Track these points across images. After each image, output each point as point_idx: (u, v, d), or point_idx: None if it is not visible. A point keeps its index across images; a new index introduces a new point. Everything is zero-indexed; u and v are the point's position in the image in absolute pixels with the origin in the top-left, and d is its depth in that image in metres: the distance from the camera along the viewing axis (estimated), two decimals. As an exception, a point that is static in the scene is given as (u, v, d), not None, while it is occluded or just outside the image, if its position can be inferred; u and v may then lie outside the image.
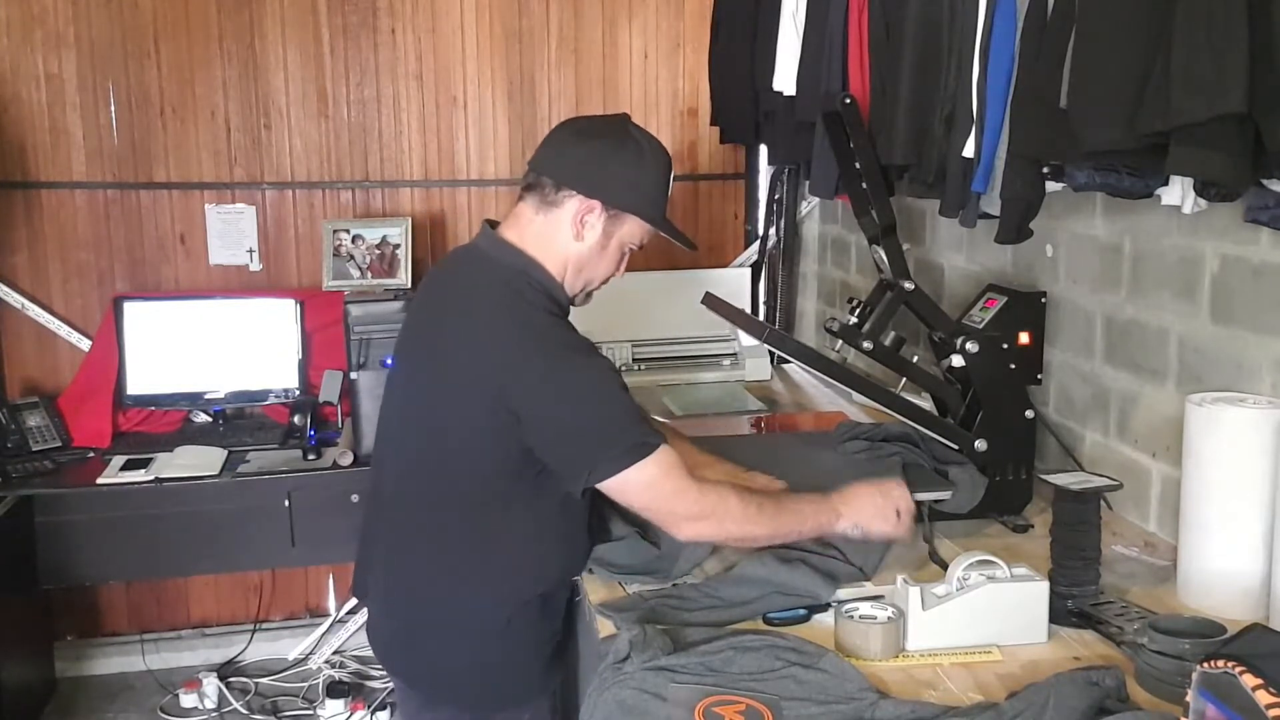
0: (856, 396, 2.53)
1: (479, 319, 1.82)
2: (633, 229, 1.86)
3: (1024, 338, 2.22)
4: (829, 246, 3.81)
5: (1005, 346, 2.16)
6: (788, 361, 3.23)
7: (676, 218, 3.96)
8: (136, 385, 3.43)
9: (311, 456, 3.22)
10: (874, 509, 1.84)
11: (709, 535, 1.82)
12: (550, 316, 1.82)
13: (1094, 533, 1.76)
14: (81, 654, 3.71)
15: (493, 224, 1.92)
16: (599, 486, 1.76)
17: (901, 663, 1.62)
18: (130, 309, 3.44)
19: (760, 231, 3.93)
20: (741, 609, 1.78)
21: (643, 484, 1.74)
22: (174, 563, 3.35)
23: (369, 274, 3.55)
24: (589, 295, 1.94)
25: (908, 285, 2.18)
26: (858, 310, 2.23)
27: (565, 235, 1.83)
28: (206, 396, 3.47)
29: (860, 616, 1.66)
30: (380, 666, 3.61)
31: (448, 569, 1.86)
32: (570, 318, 1.89)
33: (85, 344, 3.54)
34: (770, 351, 3.35)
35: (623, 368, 3.36)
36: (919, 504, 2.03)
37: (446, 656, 1.89)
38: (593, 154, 1.83)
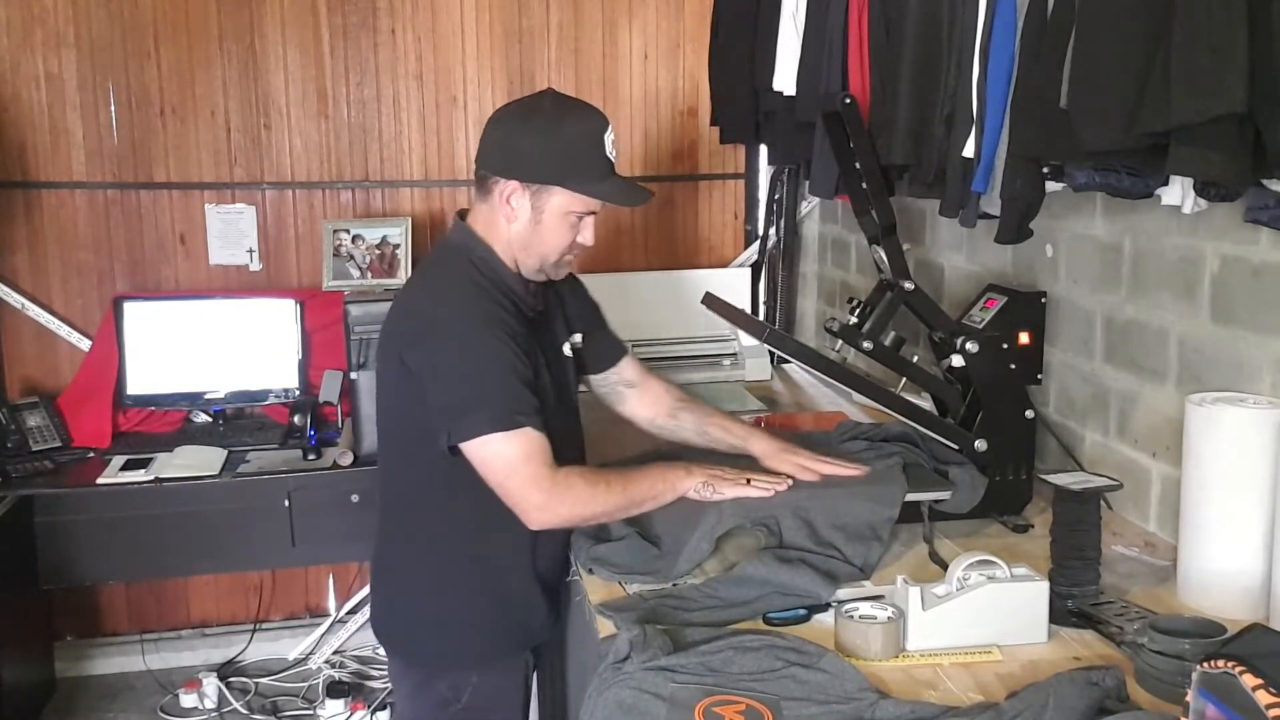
0: (856, 396, 2.53)
1: (409, 294, 2.03)
2: (562, 199, 1.91)
3: (1024, 338, 2.21)
4: (829, 246, 3.81)
5: (1005, 346, 2.16)
6: (788, 361, 3.23)
7: (677, 217, 4.01)
8: (136, 385, 3.43)
9: (311, 456, 3.22)
10: (724, 473, 1.96)
11: (561, 522, 1.90)
12: (474, 288, 1.92)
13: (1094, 533, 1.76)
14: (81, 654, 3.71)
15: (463, 214, 2.05)
16: (462, 449, 1.84)
17: (901, 663, 1.62)
18: (130, 309, 3.44)
19: (760, 231, 3.93)
20: (741, 609, 1.78)
21: (500, 459, 1.83)
22: (174, 563, 3.35)
23: (369, 274, 3.55)
24: (559, 267, 2.00)
25: (908, 285, 2.18)
26: (858, 310, 2.23)
27: (500, 218, 1.94)
28: (206, 396, 3.47)
29: (860, 616, 1.66)
30: (378, 665, 3.63)
31: (403, 530, 2.04)
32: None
33: (85, 344, 3.54)
34: (770, 351, 3.35)
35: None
36: (919, 504, 2.04)
37: (394, 611, 2.08)
38: (507, 134, 1.92)
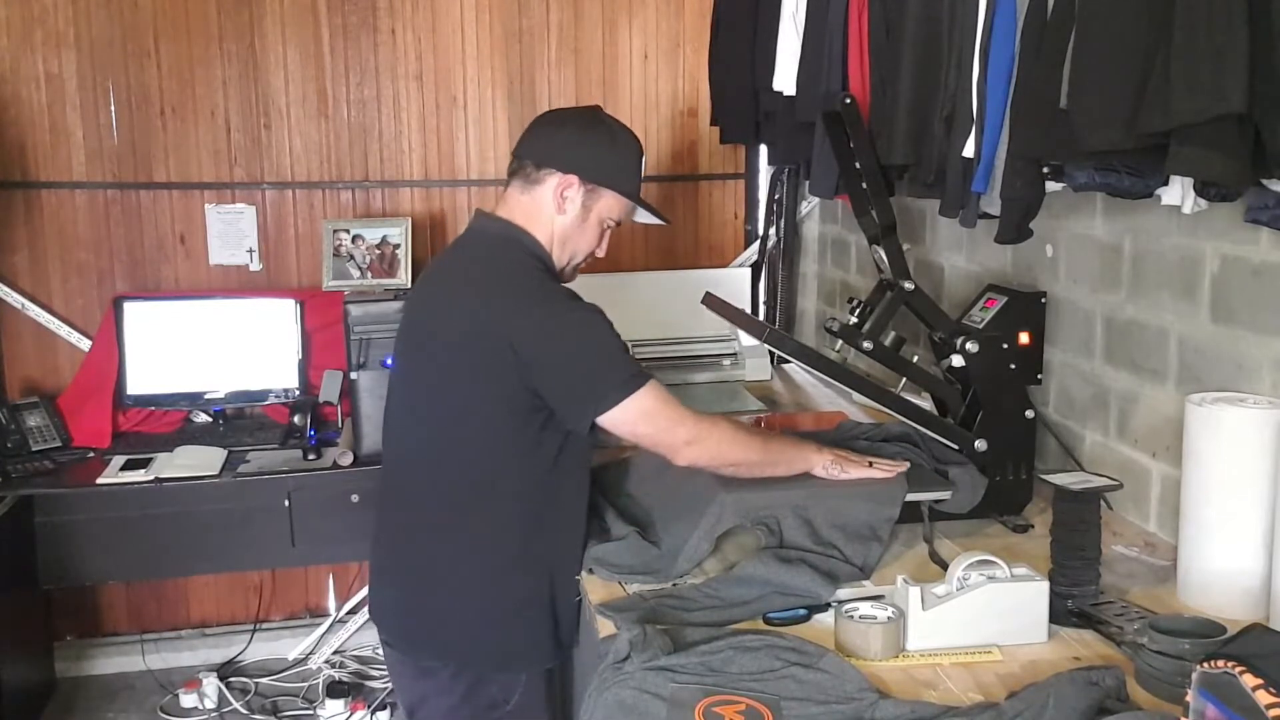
0: (856, 396, 2.53)
1: (475, 283, 1.98)
2: (609, 203, 2.03)
3: (1024, 338, 2.21)
4: (829, 246, 3.81)
5: (1005, 346, 2.16)
6: (788, 361, 3.23)
7: (677, 217, 4.02)
8: (136, 385, 3.43)
9: (311, 456, 3.22)
10: (851, 454, 2.04)
11: (706, 459, 1.95)
12: (543, 273, 1.99)
13: (1094, 533, 1.76)
14: (81, 654, 3.71)
15: (483, 212, 2.09)
16: (602, 421, 1.89)
17: (901, 663, 1.62)
18: (130, 309, 3.44)
19: (760, 231, 3.93)
20: (741, 609, 1.78)
21: (642, 413, 1.89)
22: (174, 563, 3.34)
23: (369, 274, 3.55)
24: (575, 270, 2.09)
25: (908, 285, 2.18)
26: (858, 310, 2.23)
27: (549, 209, 2.00)
28: (206, 396, 3.47)
29: (860, 616, 1.66)
30: (378, 665, 3.63)
31: (449, 531, 1.99)
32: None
33: (85, 344, 3.54)
34: (770, 351, 3.35)
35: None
36: (919, 504, 2.04)
37: (440, 613, 2.01)
38: (569, 136, 2.03)
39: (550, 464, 1.95)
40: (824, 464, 2.00)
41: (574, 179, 1.99)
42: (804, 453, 2.01)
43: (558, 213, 2.00)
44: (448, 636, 2.01)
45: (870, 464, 2.03)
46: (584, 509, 2.04)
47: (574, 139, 2.02)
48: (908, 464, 2.07)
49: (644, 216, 2.13)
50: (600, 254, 2.08)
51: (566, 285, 2.02)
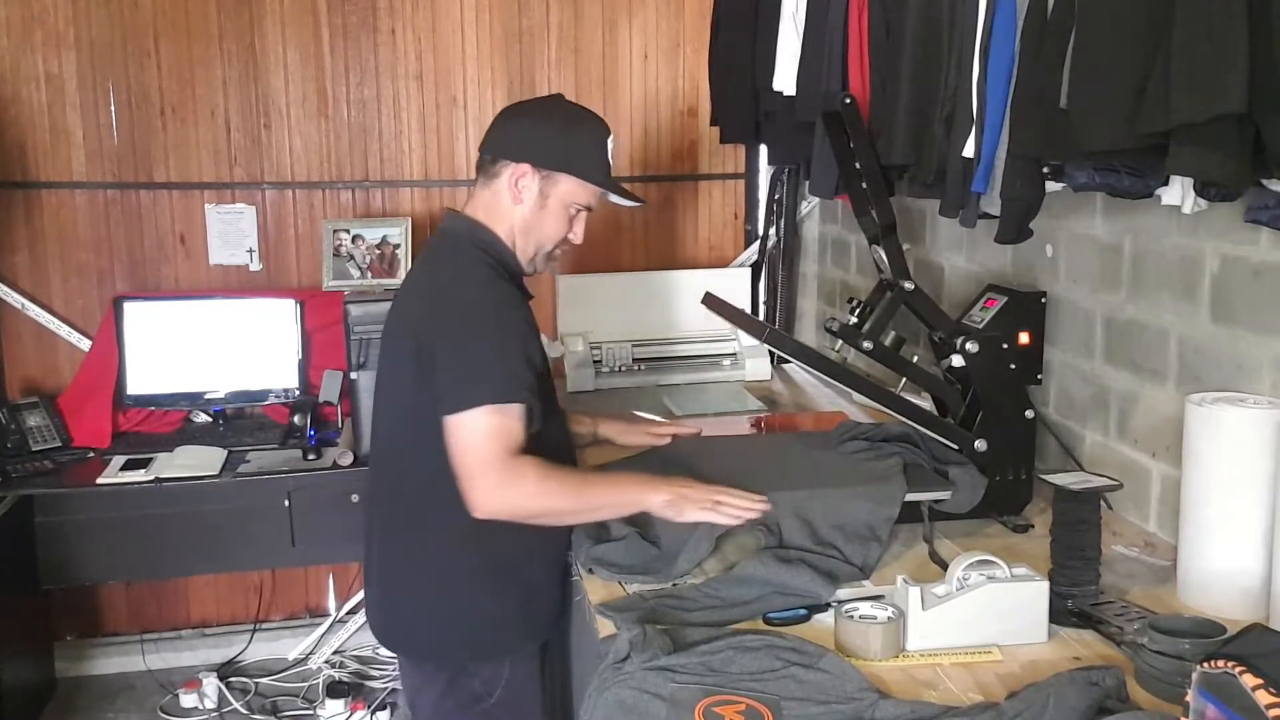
0: (856, 396, 2.54)
1: (420, 287, 2.04)
2: (569, 188, 2.01)
3: (1024, 338, 2.22)
4: (829, 246, 3.81)
5: (1005, 346, 2.16)
6: (788, 361, 3.23)
7: (676, 217, 4.01)
8: (136, 385, 3.43)
9: (311, 456, 3.22)
10: (689, 495, 1.89)
11: (505, 511, 1.86)
12: (486, 269, 1.97)
13: (1094, 533, 1.76)
14: (81, 654, 3.71)
15: (455, 212, 2.10)
16: (445, 421, 1.85)
17: (901, 663, 1.62)
18: (130, 309, 3.44)
19: (760, 231, 3.93)
20: (741, 609, 1.78)
21: (470, 432, 1.84)
22: (174, 563, 3.35)
23: (369, 274, 3.55)
24: (551, 259, 2.08)
25: (908, 285, 2.18)
26: (858, 310, 2.23)
27: (506, 200, 2.01)
28: (206, 396, 3.47)
29: (860, 616, 1.66)
30: (378, 665, 3.63)
31: (413, 528, 2.01)
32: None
33: (85, 344, 3.54)
34: (770, 351, 3.35)
35: (622, 368, 3.36)
36: (919, 504, 2.04)
37: (413, 609, 2.04)
38: (523, 125, 2.03)
39: None
40: (660, 503, 1.88)
41: (526, 167, 1.98)
42: (633, 494, 1.92)
43: (515, 203, 2.00)
44: (421, 632, 2.06)
45: (717, 502, 1.87)
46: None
47: (528, 127, 2.02)
48: (766, 502, 1.89)
49: (618, 199, 2.10)
50: (575, 240, 2.06)
51: (525, 277, 2.04)
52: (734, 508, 1.87)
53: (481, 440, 1.83)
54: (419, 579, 2.03)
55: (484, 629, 2.01)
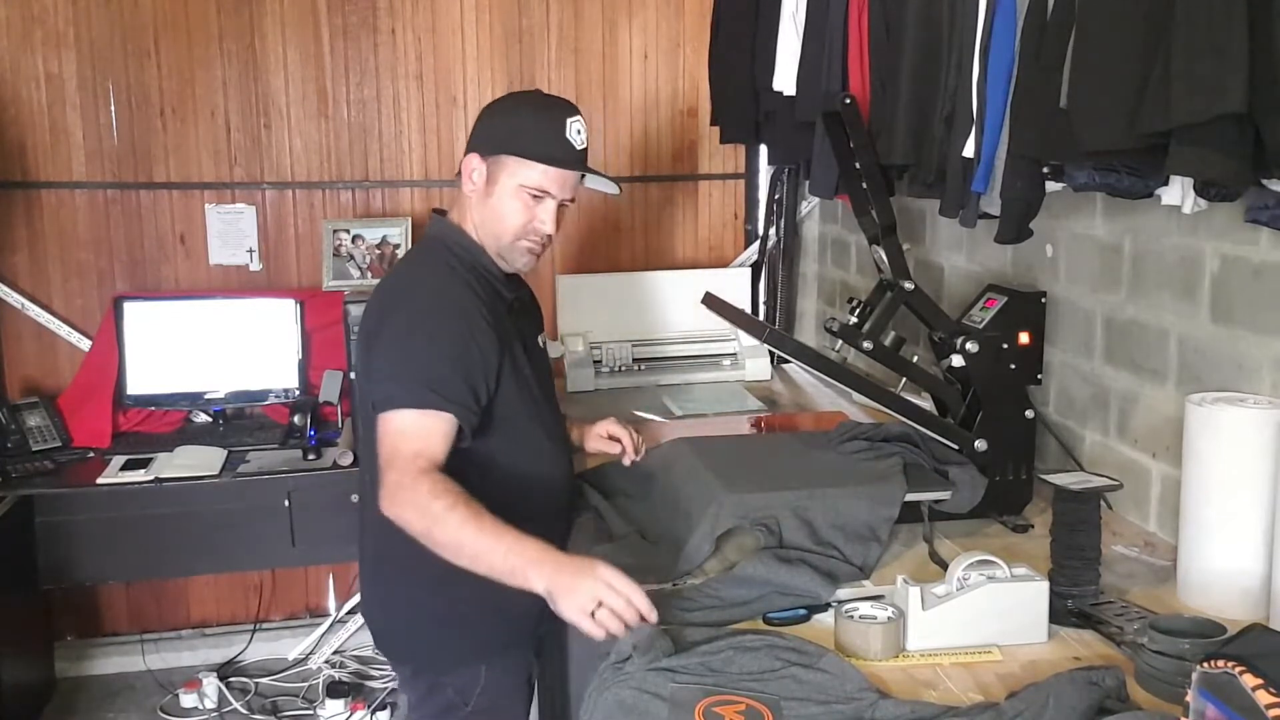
0: (856, 396, 2.54)
1: (383, 288, 2.01)
2: (513, 167, 1.92)
3: (1024, 338, 2.21)
4: (829, 246, 3.81)
5: (1005, 346, 2.16)
6: (788, 361, 3.23)
7: (676, 216, 4.01)
8: (136, 385, 3.43)
9: (311, 456, 3.23)
10: (578, 590, 1.58)
11: (396, 518, 1.74)
12: (447, 271, 1.94)
13: (1094, 533, 1.76)
14: (81, 654, 3.71)
15: (440, 213, 2.07)
16: (378, 420, 1.81)
17: (901, 663, 1.62)
18: (130, 309, 3.44)
19: (760, 231, 3.93)
20: (741, 609, 1.78)
21: (389, 433, 1.79)
22: (174, 563, 3.35)
23: (369, 274, 3.55)
24: (522, 253, 1.97)
25: (908, 285, 2.18)
26: (858, 310, 2.23)
27: (464, 195, 1.99)
28: (206, 396, 3.47)
29: (860, 616, 1.66)
30: (378, 665, 3.63)
31: (385, 534, 1.87)
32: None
33: (85, 344, 3.54)
34: (770, 351, 3.35)
35: (622, 368, 3.36)
36: (919, 504, 2.04)
37: (388, 614, 2.03)
38: (482, 120, 2.00)
39: (481, 462, 1.88)
40: (540, 589, 1.61)
41: (475, 155, 1.96)
42: (523, 566, 1.63)
43: (468, 195, 1.97)
44: (397, 636, 2.05)
45: (600, 605, 1.56)
46: (543, 504, 1.97)
47: (484, 119, 2.00)
48: (654, 622, 1.58)
49: (597, 183, 2.03)
50: (543, 227, 1.93)
51: (468, 286, 1.91)
52: (613, 618, 1.56)
53: (391, 440, 1.78)
54: (393, 582, 2.01)
55: (455, 635, 1.97)
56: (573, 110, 1.96)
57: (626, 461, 2.23)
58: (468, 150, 1.99)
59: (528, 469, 1.96)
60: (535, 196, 1.93)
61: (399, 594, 2.01)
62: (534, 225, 1.94)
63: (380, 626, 2.10)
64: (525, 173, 1.92)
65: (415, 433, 1.77)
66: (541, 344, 2.14)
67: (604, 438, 2.24)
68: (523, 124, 1.94)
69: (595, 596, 1.56)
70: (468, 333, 1.86)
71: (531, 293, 2.16)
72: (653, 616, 1.57)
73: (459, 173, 2.00)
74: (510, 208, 1.93)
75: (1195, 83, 1.45)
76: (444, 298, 1.90)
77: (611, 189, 2.08)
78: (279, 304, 3.51)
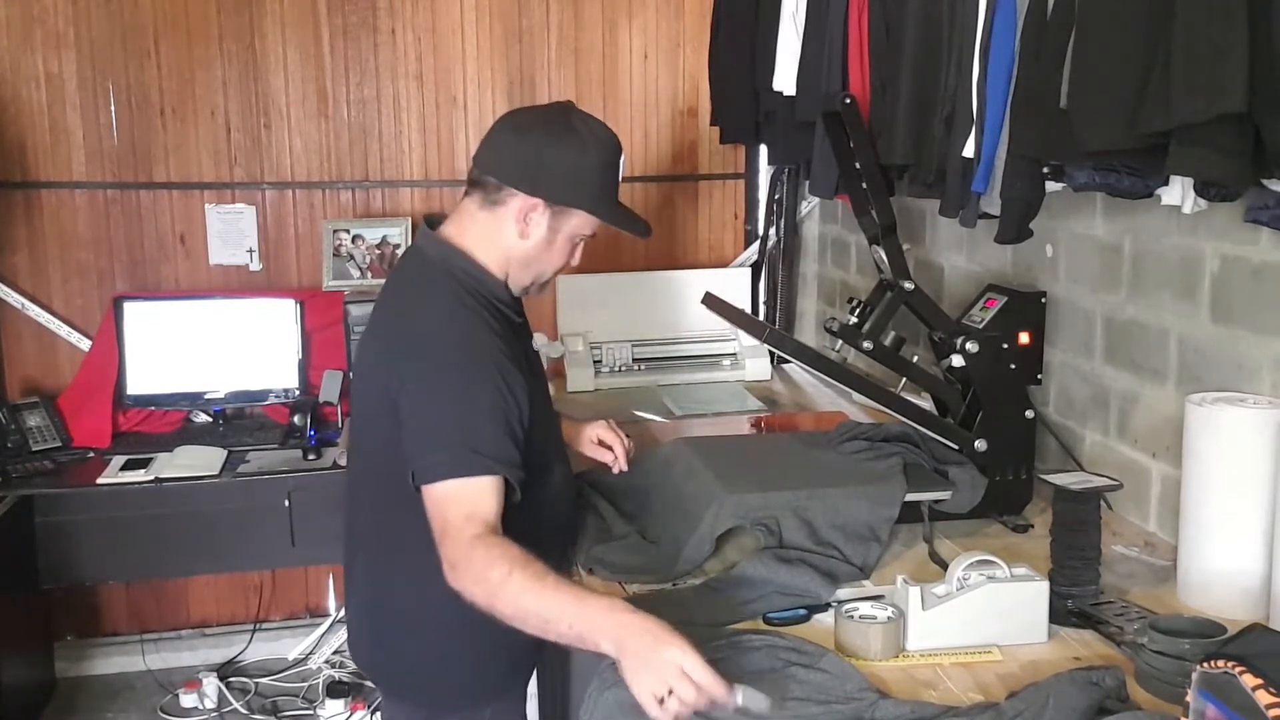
0: (856, 396, 2.54)
1: (389, 320, 1.86)
2: (580, 221, 1.83)
3: (1024, 338, 2.21)
4: (829, 246, 3.81)
5: (1005, 346, 2.16)
6: (788, 361, 3.23)
7: (676, 217, 4.01)
8: (136, 385, 3.43)
9: (311, 456, 3.23)
10: (650, 671, 1.44)
11: (465, 593, 1.61)
12: (462, 309, 1.77)
13: (1094, 533, 1.76)
14: (81, 654, 3.71)
15: (431, 222, 1.90)
16: (422, 491, 1.67)
17: (901, 663, 1.62)
18: (130, 309, 3.44)
19: (760, 231, 3.93)
20: (741, 609, 1.78)
21: (440, 506, 1.64)
22: (174, 563, 3.35)
23: (369, 274, 3.55)
24: (544, 287, 1.92)
25: (908, 285, 2.18)
26: (858, 310, 2.23)
27: (510, 233, 1.81)
28: (206, 396, 3.47)
29: (860, 616, 1.66)
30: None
31: (395, 567, 1.85)
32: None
33: (85, 344, 3.54)
34: (770, 351, 3.35)
35: (622, 368, 3.36)
36: (919, 504, 2.04)
37: (397, 651, 1.90)
38: (534, 149, 1.79)
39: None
40: (614, 657, 1.49)
41: (539, 202, 1.78)
42: (594, 635, 1.51)
43: (520, 237, 1.80)
44: (397, 671, 1.93)
45: (670, 693, 1.41)
46: (551, 518, 1.91)
47: (539, 152, 1.78)
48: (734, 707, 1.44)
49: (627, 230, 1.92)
50: (575, 263, 1.91)
51: (489, 325, 1.78)
52: (683, 708, 1.43)
53: (441, 511, 1.64)
54: (395, 619, 1.89)
55: (459, 677, 1.88)
56: (621, 146, 1.87)
57: (615, 470, 2.15)
58: (520, 186, 1.78)
59: (539, 489, 1.84)
60: (581, 240, 1.87)
61: (399, 638, 1.90)
62: (568, 262, 1.90)
63: (373, 665, 1.98)
64: (589, 226, 1.85)
65: (463, 499, 1.64)
66: (536, 346, 2.08)
67: (595, 443, 2.16)
68: (595, 175, 1.81)
69: (667, 683, 1.42)
70: (502, 382, 1.72)
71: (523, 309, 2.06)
72: (728, 702, 1.43)
73: (492, 197, 1.81)
74: (563, 252, 1.86)
75: (1195, 83, 1.45)
76: (471, 347, 1.74)
77: (647, 234, 1.94)
78: (279, 304, 3.51)
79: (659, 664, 1.43)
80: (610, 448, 2.15)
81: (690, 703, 1.42)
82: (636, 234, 1.91)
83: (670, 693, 1.41)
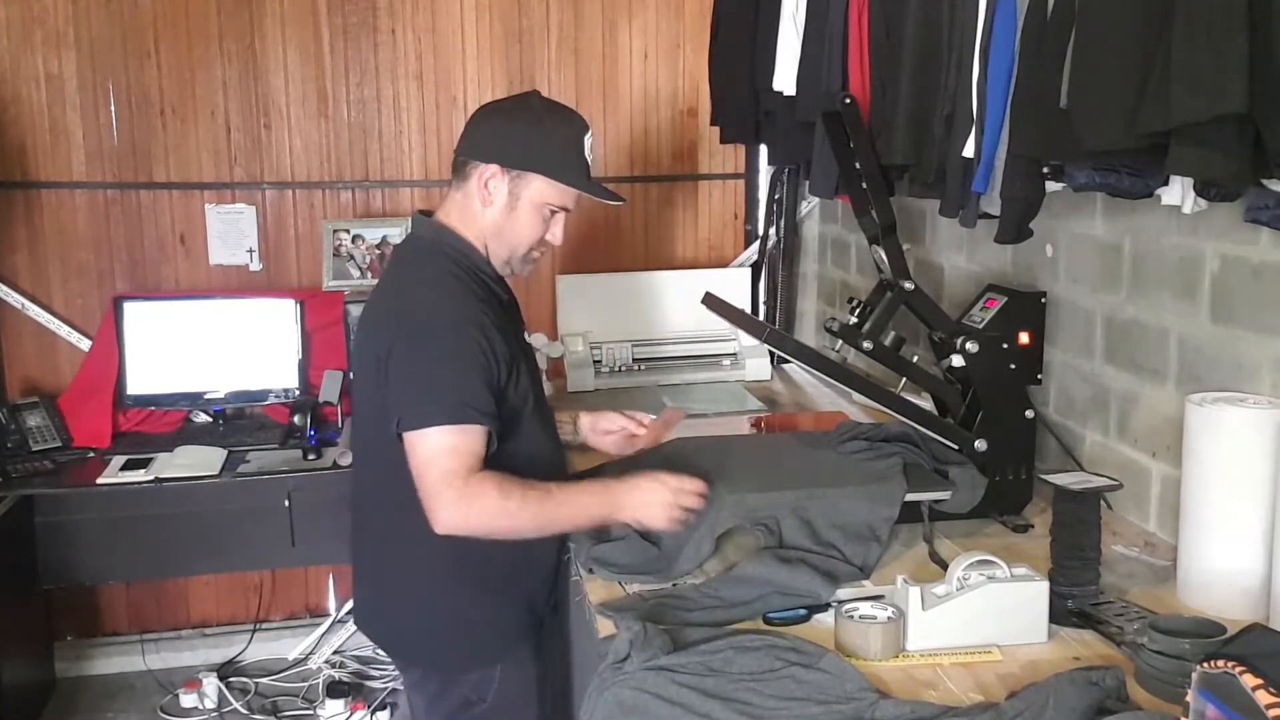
0: (856, 396, 2.54)
1: (384, 296, 2.01)
2: (540, 187, 1.95)
3: (1024, 338, 2.22)
4: (829, 246, 3.81)
5: (1005, 346, 2.16)
6: (788, 361, 3.23)
7: (676, 217, 4.01)
8: (136, 385, 3.43)
9: (311, 456, 3.22)
10: (656, 503, 1.88)
11: (465, 528, 1.82)
12: (454, 281, 1.93)
13: (1094, 533, 1.76)
14: (81, 654, 3.71)
15: (424, 214, 2.06)
16: (404, 438, 1.83)
17: (901, 663, 1.62)
18: (130, 309, 3.44)
19: (760, 231, 3.93)
20: (741, 609, 1.78)
21: (427, 449, 1.80)
22: (174, 563, 3.35)
23: (369, 274, 3.55)
24: (529, 262, 2.03)
25: (908, 285, 2.18)
26: (858, 310, 2.23)
27: (477, 204, 1.96)
28: (206, 396, 3.47)
29: (860, 616, 1.66)
30: (378, 665, 3.63)
31: (401, 534, 1.95)
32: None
33: (85, 344, 3.54)
34: (770, 351, 3.35)
35: (622, 368, 3.36)
36: (919, 504, 2.04)
37: (396, 617, 2.04)
38: (493, 125, 1.97)
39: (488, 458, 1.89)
40: (626, 519, 1.90)
41: (495, 167, 1.93)
42: (599, 510, 1.91)
43: (484, 205, 1.95)
44: (409, 637, 2.05)
45: (675, 505, 1.88)
46: None
47: (498, 126, 1.96)
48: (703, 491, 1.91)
49: (595, 197, 2.04)
50: (554, 241, 2.00)
51: (474, 293, 1.93)
52: (687, 507, 1.89)
53: (438, 458, 1.80)
54: (406, 585, 2.01)
55: (471, 635, 1.99)
56: (586, 126, 2.00)
57: (640, 434, 2.23)
58: (479, 157, 1.95)
59: (528, 462, 1.96)
60: (553, 212, 1.98)
61: (408, 600, 2.02)
62: (546, 238, 2.00)
63: (385, 632, 2.10)
64: (552, 193, 1.96)
65: (455, 448, 1.80)
66: (536, 346, 2.16)
67: (600, 433, 2.26)
68: (548, 141, 1.95)
69: (667, 504, 1.86)
70: (486, 344, 1.87)
71: (511, 291, 2.15)
72: (701, 486, 1.89)
73: (462, 174, 1.97)
74: (530, 223, 1.97)
75: (1195, 83, 1.45)
76: (459, 312, 1.89)
77: (618, 201, 2.07)
78: (279, 304, 3.51)
79: (657, 500, 1.87)
80: (627, 427, 2.25)
81: (691, 503, 1.88)
82: (605, 200, 2.02)
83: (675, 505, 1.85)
